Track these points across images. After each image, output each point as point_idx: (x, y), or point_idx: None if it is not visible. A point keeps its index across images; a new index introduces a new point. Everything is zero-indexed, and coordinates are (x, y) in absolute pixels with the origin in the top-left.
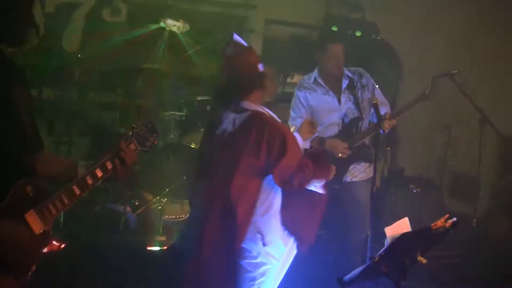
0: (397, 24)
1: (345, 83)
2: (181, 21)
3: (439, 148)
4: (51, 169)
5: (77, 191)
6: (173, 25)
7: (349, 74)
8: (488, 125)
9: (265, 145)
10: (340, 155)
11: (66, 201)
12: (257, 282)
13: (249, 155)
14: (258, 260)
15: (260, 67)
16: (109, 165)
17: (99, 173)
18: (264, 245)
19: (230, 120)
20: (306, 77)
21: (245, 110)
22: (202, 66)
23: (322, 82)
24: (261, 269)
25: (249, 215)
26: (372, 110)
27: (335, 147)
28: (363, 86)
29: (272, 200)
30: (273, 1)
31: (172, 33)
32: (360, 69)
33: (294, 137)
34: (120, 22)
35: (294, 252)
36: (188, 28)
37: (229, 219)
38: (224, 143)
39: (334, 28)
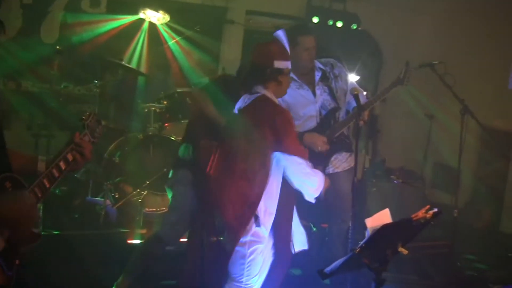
0: (378, 14)
1: (318, 75)
2: (161, 12)
3: (421, 139)
4: (12, 164)
5: (47, 184)
6: (153, 16)
7: (321, 66)
8: (469, 116)
9: (269, 124)
10: (319, 148)
11: (40, 194)
12: (248, 260)
13: (256, 134)
14: (248, 238)
15: (279, 63)
16: (70, 157)
17: (63, 166)
18: (257, 225)
19: (242, 99)
20: None
21: (257, 92)
22: (182, 58)
23: (295, 77)
24: (252, 248)
25: (261, 190)
26: (347, 99)
27: (314, 142)
28: (336, 76)
29: (272, 184)
30: None
31: (152, 24)
32: (331, 60)
33: (293, 123)
34: (100, 13)
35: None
36: (168, 19)
37: (241, 193)
38: (236, 120)
39: (315, 19)
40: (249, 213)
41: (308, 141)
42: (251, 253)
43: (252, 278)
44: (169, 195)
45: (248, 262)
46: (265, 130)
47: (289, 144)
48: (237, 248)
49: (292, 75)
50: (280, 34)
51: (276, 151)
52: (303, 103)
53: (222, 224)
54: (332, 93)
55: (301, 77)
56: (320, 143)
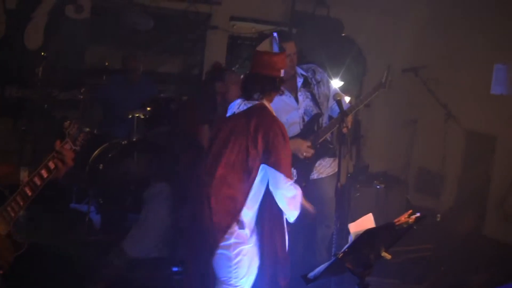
0: (362, 20)
1: (299, 81)
2: (145, 17)
3: (405, 143)
4: None
5: (29, 193)
6: (137, 22)
7: (303, 72)
8: (452, 120)
9: (261, 135)
10: (304, 154)
11: (21, 203)
12: (234, 262)
13: (247, 142)
14: (232, 240)
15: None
16: (52, 165)
17: (45, 174)
18: (240, 228)
19: (237, 105)
20: None
21: (254, 100)
22: (167, 64)
23: None
24: (236, 250)
25: (244, 197)
26: (330, 104)
27: (298, 148)
28: (318, 82)
29: (257, 191)
30: None
31: (136, 30)
32: (313, 65)
33: (287, 138)
34: (84, 19)
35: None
36: (152, 25)
37: (228, 197)
38: (228, 124)
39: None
40: (231, 220)
41: (293, 147)
42: (237, 255)
43: (241, 279)
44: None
45: (234, 264)
46: (258, 139)
47: (278, 159)
48: (221, 251)
49: None
50: (275, 39)
51: (264, 162)
52: (286, 109)
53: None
54: (314, 99)
55: (283, 84)
56: (304, 148)
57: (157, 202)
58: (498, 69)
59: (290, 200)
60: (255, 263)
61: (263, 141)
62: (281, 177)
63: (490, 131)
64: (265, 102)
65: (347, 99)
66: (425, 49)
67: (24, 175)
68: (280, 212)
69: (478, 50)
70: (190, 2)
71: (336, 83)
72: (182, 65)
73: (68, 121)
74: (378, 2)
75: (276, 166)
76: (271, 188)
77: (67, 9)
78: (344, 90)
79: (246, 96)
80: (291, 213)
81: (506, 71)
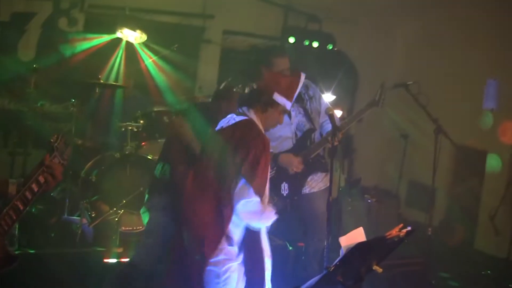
0: (354, 35)
1: None
2: (138, 31)
3: (396, 158)
4: None
5: (21, 206)
6: (130, 35)
7: None
8: (442, 135)
9: (242, 148)
10: (295, 169)
11: (14, 216)
12: (223, 278)
13: (231, 155)
14: (221, 257)
15: (279, 97)
16: (42, 179)
17: (35, 188)
18: (230, 245)
19: (227, 119)
20: None
21: (244, 115)
22: (159, 77)
23: None
24: (225, 267)
25: (229, 211)
26: (321, 120)
27: (289, 163)
28: (310, 98)
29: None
30: (231, 11)
31: (129, 43)
32: (306, 81)
33: (268, 159)
34: (77, 32)
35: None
36: (145, 39)
37: (216, 211)
38: (216, 138)
39: (291, 39)
40: (219, 234)
41: (284, 162)
42: (225, 272)
43: None
44: (145, 220)
45: (223, 281)
46: (239, 152)
47: (253, 173)
48: (210, 268)
49: None
50: (302, 77)
51: (240, 173)
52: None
53: (192, 244)
54: (307, 114)
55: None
56: (295, 164)
57: (157, 211)
58: (489, 84)
59: (251, 215)
60: (243, 280)
61: (243, 153)
62: (250, 190)
63: (481, 145)
64: (255, 117)
65: (338, 113)
66: (416, 64)
67: (12, 188)
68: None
69: (469, 65)
70: (184, 15)
71: (328, 97)
72: (175, 78)
73: (55, 135)
74: (369, 18)
75: (249, 179)
76: (235, 197)
77: (60, 22)
78: (336, 104)
79: (237, 111)
80: (252, 223)
81: (497, 86)
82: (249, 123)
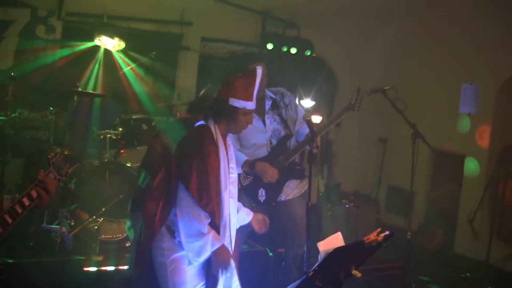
0: (332, 41)
1: (268, 104)
2: (116, 38)
3: (375, 163)
4: None
5: (9, 220)
6: (108, 43)
7: (272, 95)
8: (420, 139)
9: (180, 151)
10: (269, 179)
11: (1, 230)
12: (169, 269)
13: (174, 160)
14: (165, 246)
15: (236, 102)
16: (34, 194)
17: (27, 202)
18: (172, 236)
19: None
20: None
21: (201, 121)
22: (138, 84)
23: None
24: (171, 258)
25: (168, 211)
26: (297, 128)
27: (265, 172)
28: (286, 105)
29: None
30: (209, 19)
31: (107, 51)
32: (281, 89)
33: (206, 167)
34: (55, 40)
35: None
36: (124, 46)
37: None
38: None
39: (270, 46)
40: (160, 220)
41: (259, 170)
42: (172, 263)
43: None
44: (131, 235)
45: (170, 272)
46: (179, 158)
47: (188, 179)
48: (160, 259)
49: None
50: (258, 70)
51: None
52: (253, 132)
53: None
54: (283, 122)
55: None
56: (270, 173)
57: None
58: (465, 88)
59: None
60: (194, 270)
61: (180, 157)
62: (190, 200)
63: (458, 149)
64: (212, 124)
65: (318, 118)
66: (394, 69)
67: (6, 204)
68: None
69: (445, 70)
70: (162, 23)
71: (307, 103)
72: (153, 86)
73: (53, 152)
74: (347, 24)
75: (185, 184)
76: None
77: (38, 29)
78: (316, 109)
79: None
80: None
81: (473, 90)
82: (196, 130)
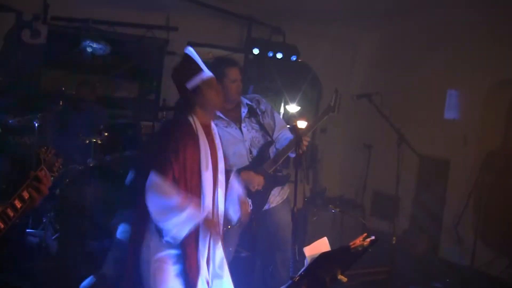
0: (317, 46)
1: (244, 111)
2: (102, 43)
3: (360, 168)
4: None
5: (1, 224)
6: (94, 47)
7: (248, 102)
8: (405, 145)
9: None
10: (256, 187)
11: None
12: (152, 268)
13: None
14: (151, 243)
15: (192, 81)
16: (26, 195)
17: (18, 204)
18: (161, 236)
19: None
20: None
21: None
22: (123, 89)
23: (221, 115)
24: (156, 257)
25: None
26: (275, 135)
27: (250, 181)
28: (262, 112)
29: None
30: (195, 23)
31: (93, 55)
32: (257, 96)
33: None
34: (40, 44)
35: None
36: (109, 51)
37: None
38: None
39: (256, 50)
40: (147, 226)
41: (244, 179)
42: (156, 262)
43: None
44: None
45: (153, 270)
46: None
47: (153, 160)
48: (145, 256)
49: (218, 113)
50: (188, 47)
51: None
52: (232, 141)
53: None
54: (263, 129)
55: (228, 114)
56: (257, 182)
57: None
58: (450, 94)
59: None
60: (178, 271)
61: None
62: (157, 178)
63: (443, 154)
64: (191, 117)
65: (304, 123)
66: (379, 74)
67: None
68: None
69: (430, 75)
70: (148, 28)
71: (293, 108)
72: (139, 91)
73: (44, 147)
74: (332, 30)
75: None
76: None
77: (23, 33)
78: (301, 114)
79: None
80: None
81: (458, 96)
82: (173, 121)
